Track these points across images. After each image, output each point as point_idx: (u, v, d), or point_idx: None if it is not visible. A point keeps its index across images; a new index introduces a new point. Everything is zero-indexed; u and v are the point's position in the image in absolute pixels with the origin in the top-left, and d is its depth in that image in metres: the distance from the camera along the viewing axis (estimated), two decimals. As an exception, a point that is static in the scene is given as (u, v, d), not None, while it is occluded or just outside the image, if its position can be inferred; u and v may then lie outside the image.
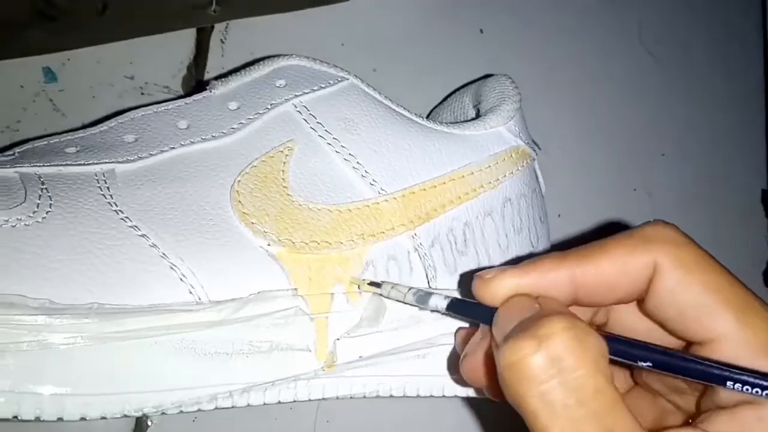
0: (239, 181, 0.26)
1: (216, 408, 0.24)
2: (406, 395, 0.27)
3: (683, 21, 0.52)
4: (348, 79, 0.29)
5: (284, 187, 0.26)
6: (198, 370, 0.23)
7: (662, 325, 0.22)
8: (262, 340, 0.24)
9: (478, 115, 0.33)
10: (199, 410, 0.23)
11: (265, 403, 0.25)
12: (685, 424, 0.23)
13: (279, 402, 0.25)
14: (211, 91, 0.28)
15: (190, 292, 0.23)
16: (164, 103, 0.27)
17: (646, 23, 0.50)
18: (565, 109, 0.45)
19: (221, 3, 0.36)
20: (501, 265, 0.29)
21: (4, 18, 0.32)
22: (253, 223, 0.25)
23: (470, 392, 0.28)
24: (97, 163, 0.25)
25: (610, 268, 0.22)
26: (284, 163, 0.27)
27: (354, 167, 0.27)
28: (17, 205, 0.22)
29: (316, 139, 0.27)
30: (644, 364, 0.20)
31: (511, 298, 0.22)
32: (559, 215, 0.42)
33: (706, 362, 0.20)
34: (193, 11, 0.36)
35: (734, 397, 0.20)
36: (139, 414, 0.22)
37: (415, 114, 0.30)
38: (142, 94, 0.36)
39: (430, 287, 0.28)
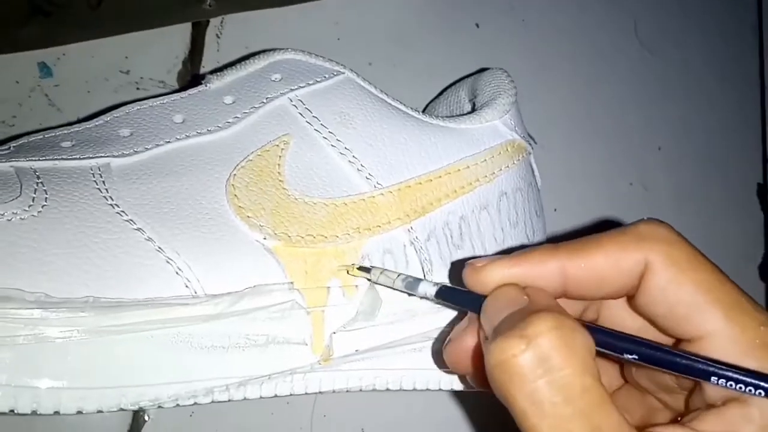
0: (235, 175, 0.26)
1: (212, 401, 0.24)
2: (403, 389, 0.27)
3: (679, 16, 0.52)
4: (343, 73, 0.29)
5: (280, 181, 0.26)
6: (194, 364, 0.23)
7: (652, 322, 0.23)
8: (259, 333, 0.24)
9: (473, 109, 0.33)
10: (195, 404, 0.23)
11: (261, 397, 0.25)
12: (673, 421, 0.23)
13: (275, 396, 0.25)
14: (206, 85, 0.28)
15: (186, 286, 0.23)
16: (160, 98, 0.27)
17: (642, 18, 0.50)
18: (561, 103, 0.45)
19: (216, -3, 0.36)
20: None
21: (0, 13, 0.32)
22: (249, 216, 0.25)
23: (466, 386, 0.28)
24: (92, 157, 0.24)
25: (602, 263, 0.22)
26: (280, 157, 0.27)
27: (350, 161, 0.27)
28: (13, 199, 0.22)
29: (311, 133, 0.27)
30: (630, 356, 0.20)
31: (499, 288, 0.22)
32: (555, 209, 0.42)
33: (692, 357, 0.20)
34: (189, 6, 0.36)
35: (722, 395, 0.21)
36: (136, 408, 0.22)
37: (411, 108, 0.30)
38: (138, 88, 0.36)
39: (426, 280, 0.28)
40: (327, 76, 0.29)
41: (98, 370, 0.22)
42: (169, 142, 0.26)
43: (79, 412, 0.21)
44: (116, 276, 0.22)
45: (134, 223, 0.23)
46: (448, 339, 0.25)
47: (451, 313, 0.28)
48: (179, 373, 0.23)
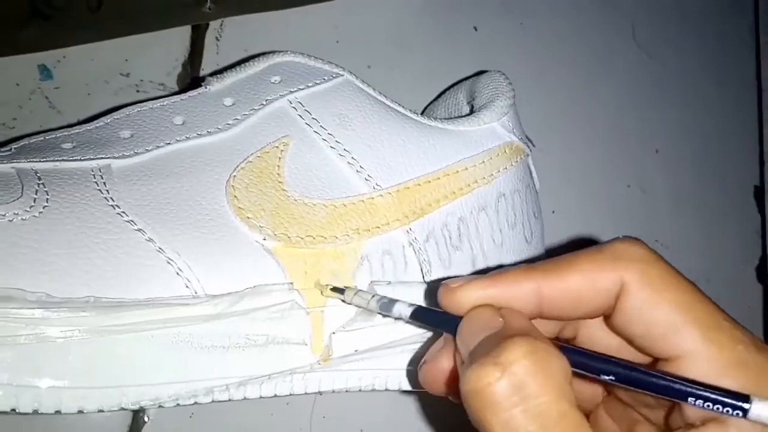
0: (235, 176, 0.26)
1: (213, 401, 0.24)
2: (402, 389, 0.28)
3: (677, 19, 0.52)
4: (343, 75, 0.29)
5: (279, 182, 0.26)
6: (195, 364, 0.23)
7: (630, 341, 0.22)
8: (259, 333, 0.24)
9: (472, 111, 0.33)
10: (195, 403, 0.24)
11: (261, 397, 0.25)
12: None
13: (275, 395, 0.25)
14: (206, 88, 0.28)
15: (187, 286, 0.24)
16: (160, 100, 0.28)
17: (640, 22, 0.50)
18: (559, 105, 0.46)
19: (216, 0, 0.36)
20: (496, 266, 0.30)
21: (0, 16, 0.32)
22: (248, 217, 0.25)
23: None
24: (93, 159, 0.25)
25: (577, 283, 0.22)
26: (279, 158, 0.27)
27: (349, 162, 0.27)
28: (14, 200, 0.23)
29: (311, 134, 0.28)
30: (607, 377, 0.20)
31: (474, 309, 0.22)
32: (553, 211, 0.43)
33: (669, 378, 0.20)
34: (188, 9, 0.36)
35: (700, 415, 0.20)
36: (136, 407, 0.22)
37: (410, 110, 0.30)
38: (138, 91, 0.36)
39: (425, 281, 0.28)
40: (326, 78, 0.29)
41: (99, 369, 0.22)
42: (169, 143, 0.26)
43: (80, 412, 0.21)
44: (117, 276, 0.23)
45: (135, 224, 0.23)
46: (423, 360, 0.24)
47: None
48: (180, 372, 0.23)
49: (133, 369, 0.22)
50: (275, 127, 0.27)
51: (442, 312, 0.23)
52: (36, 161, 0.24)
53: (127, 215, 0.24)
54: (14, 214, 0.22)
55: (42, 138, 0.26)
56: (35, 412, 0.21)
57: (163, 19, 0.36)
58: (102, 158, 0.25)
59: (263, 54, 0.29)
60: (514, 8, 0.45)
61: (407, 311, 0.24)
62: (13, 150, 0.25)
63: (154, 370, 0.23)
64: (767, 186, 0.52)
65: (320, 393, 0.34)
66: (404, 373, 0.27)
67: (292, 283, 0.25)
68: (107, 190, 0.24)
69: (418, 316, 0.24)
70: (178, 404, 0.23)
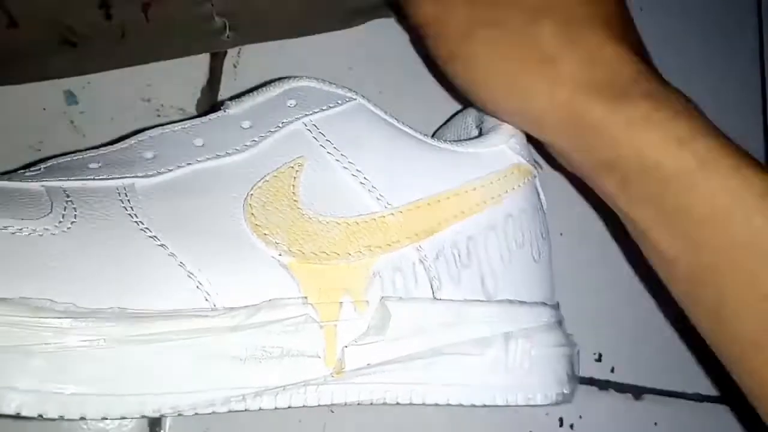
0: (252, 194, 0.27)
1: (229, 411, 0.25)
2: (412, 403, 0.28)
3: (679, 25, 0.52)
4: (355, 99, 0.30)
5: (295, 200, 0.28)
6: (213, 374, 0.24)
7: None
8: (274, 346, 0.25)
9: (480, 134, 0.35)
10: (213, 412, 0.24)
11: (276, 408, 0.26)
12: None
13: (289, 406, 0.26)
14: (225, 111, 0.30)
15: (206, 299, 0.25)
16: (181, 123, 0.29)
17: (644, 28, 0.51)
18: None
19: (234, 29, 0.37)
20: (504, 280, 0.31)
21: (30, 45, 0.33)
22: (265, 234, 0.26)
23: (475, 400, 0.29)
24: (118, 178, 0.26)
25: None
26: (295, 178, 0.28)
27: (361, 182, 0.29)
28: (44, 216, 0.24)
29: (325, 155, 0.29)
30: None
31: None
32: (561, 234, 0.43)
33: None
34: (207, 37, 0.37)
35: None
36: (157, 415, 0.23)
37: (421, 132, 0.31)
38: (159, 115, 0.37)
39: (435, 297, 0.29)
40: (340, 102, 0.30)
41: (123, 377, 0.23)
42: (190, 164, 0.27)
43: (104, 418, 0.22)
44: (140, 289, 0.24)
45: (158, 240, 0.25)
46: None
47: (460, 332, 0.29)
48: (199, 382, 0.24)
49: (155, 378, 0.23)
50: (291, 148, 0.29)
51: None
52: (64, 180, 0.25)
53: (150, 231, 0.25)
54: (44, 229, 0.23)
55: (69, 159, 0.27)
56: (61, 418, 0.22)
57: (184, 47, 0.38)
58: (126, 177, 0.26)
59: (279, 79, 0.31)
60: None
61: None
62: (42, 170, 0.26)
63: (175, 380, 0.24)
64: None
65: (332, 410, 0.35)
66: (415, 387, 0.28)
67: (306, 298, 0.26)
68: (131, 207, 0.25)
69: None
70: (196, 413, 0.24)
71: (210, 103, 0.38)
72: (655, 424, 0.42)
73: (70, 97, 0.36)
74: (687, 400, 0.44)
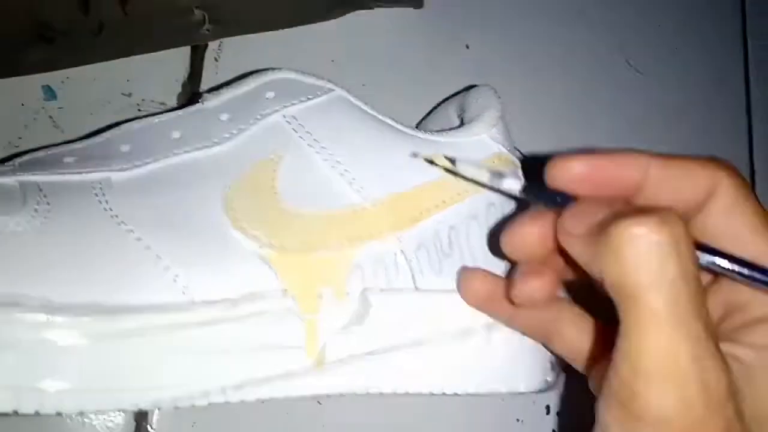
0: (230, 187, 0.27)
1: (209, 403, 0.25)
2: (396, 392, 0.28)
3: (666, 34, 0.53)
4: (335, 90, 0.30)
5: (274, 193, 0.27)
6: (192, 367, 0.24)
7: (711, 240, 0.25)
8: (254, 338, 0.25)
9: (462, 124, 0.34)
10: (193, 406, 0.24)
11: (257, 399, 0.25)
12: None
13: (271, 398, 0.26)
14: (203, 103, 0.29)
15: (183, 293, 0.24)
16: (158, 115, 0.29)
17: (630, 37, 0.51)
18: (549, 120, 0.46)
19: (214, 22, 0.37)
20: (484, 268, 0.30)
21: (6, 40, 0.33)
22: (244, 227, 0.26)
23: (458, 389, 0.29)
24: (93, 172, 0.26)
25: (683, 171, 0.24)
26: (274, 170, 0.28)
27: (341, 174, 0.28)
28: (17, 211, 0.23)
29: (304, 147, 0.29)
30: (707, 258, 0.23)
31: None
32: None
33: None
34: (188, 30, 0.37)
35: (762, 312, 0.23)
36: (135, 409, 0.23)
37: (402, 124, 0.31)
38: (139, 110, 0.37)
39: (416, 288, 0.29)
40: (319, 93, 0.30)
41: (99, 372, 0.23)
42: (167, 157, 0.27)
43: (81, 413, 0.22)
44: (116, 283, 0.23)
45: (134, 233, 0.24)
46: (510, 224, 0.27)
47: (443, 319, 0.28)
48: (177, 376, 0.24)
49: (132, 372, 0.23)
50: (270, 140, 0.28)
51: (552, 189, 0.25)
52: (39, 174, 0.25)
53: (126, 225, 0.25)
54: (17, 223, 0.23)
55: (44, 153, 0.27)
56: (37, 413, 0.22)
57: (163, 41, 0.38)
58: (102, 171, 0.26)
59: (258, 71, 0.30)
60: (504, 26, 0.46)
61: (517, 186, 0.26)
62: (16, 164, 0.26)
63: (153, 374, 0.23)
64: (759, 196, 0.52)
65: (319, 402, 0.35)
66: (398, 377, 0.28)
67: (286, 290, 0.26)
68: (107, 201, 0.25)
69: (528, 191, 0.26)
70: (176, 406, 0.24)
71: (190, 95, 0.38)
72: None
73: (49, 93, 0.36)
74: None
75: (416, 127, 0.39)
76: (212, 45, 0.39)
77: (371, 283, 0.28)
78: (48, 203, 0.24)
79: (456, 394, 0.29)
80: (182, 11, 0.35)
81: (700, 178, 0.24)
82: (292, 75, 0.30)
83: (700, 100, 0.53)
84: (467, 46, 0.45)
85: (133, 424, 0.33)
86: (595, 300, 0.25)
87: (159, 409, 0.24)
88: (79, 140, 0.28)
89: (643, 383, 0.20)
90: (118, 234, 0.24)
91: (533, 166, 0.26)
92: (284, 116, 0.29)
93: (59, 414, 0.22)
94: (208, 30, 0.37)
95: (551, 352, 0.30)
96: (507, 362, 0.30)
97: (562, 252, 0.25)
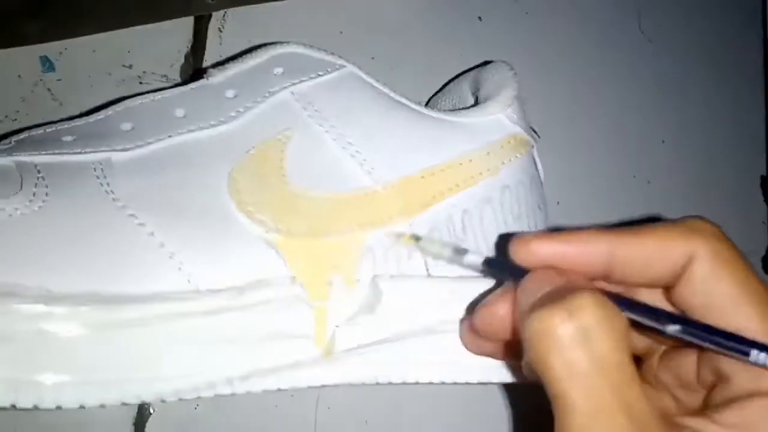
0: (237, 169, 0.26)
1: (216, 395, 0.24)
2: (406, 382, 0.27)
3: (682, 8, 0.51)
4: (346, 66, 0.29)
5: (282, 174, 0.26)
6: (197, 358, 0.23)
7: (689, 314, 0.23)
8: (261, 327, 0.24)
9: (476, 103, 0.33)
10: (199, 397, 0.23)
11: (264, 390, 0.25)
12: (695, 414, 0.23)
13: (279, 389, 0.25)
14: (208, 79, 0.28)
15: (188, 281, 0.23)
16: (161, 92, 0.27)
17: (646, 11, 0.49)
18: (564, 96, 0.45)
19: (218, -9, 0.36)
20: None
21: (2, 10, 0.32)
22: (250, 210, 0.25)
23: (469, 378, 0.28)
24: (93, 152, 0.24)
25: (651, 248, 0.23)
26: (282, 150, 0.27)
27: (352, 155, 0.27)
28: (14, 194, 0.22)
29: (313, 126, 0.27)
30: (674, 327, 0.21)
31: (541, 269, 0.23)
32: (558, 203, 0.42)
33: (732, 333, 0.21)
34: (191, 0, 0.36)
35: (746, 389, 0.21)
36: (138, 401, 0.22)
37: (414, 102, 0.30)
38: (141, 83, 0.36)
39: (429, 274, 0.28)
40: (329, 69, 0.29)
41: (100, 364, 0.22)
42: (170, 136, 0.26)
43: (81, 407, 0.21)
44: (118, 271, 0.22)
45: (136, 218, 0.23)
46: (481, 303, 0.25)
47: (452, 308, 0.28)
48: (182, 367, 0.23)
49: (135, 364, 0.22)
50: (277, 119, 0.27)
51: (510, 263, 0.24)
52: (36, 154, 0.24)
53: (128, 209, 0.23)
54: (14, 208, 0.22)
55: (42, 131, 0.26)
56: (35, 407, 0.21)
57: (166, 11, 0.36)
58: (102, 151, 0.25)
59: (265, 45, 0.29)
60: (519, -2, 0.45)
61: (479, 260, 0.25)
62: (13, 143, 0.25)
63: (156, 365, 0.23)
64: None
65: (324, 386, 0.34)
66: (407, 366, 0.27)
67: (294, 277, 0.25)
68: (108, 183, 0.24)
69: (488, 265, 0.25)
70: (180, 399, 0.23)
71: (194, 70, 0.37)
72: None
73: (47, 64, 0.34)
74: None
75: (428, 104, 0.38)
76: (217, 15, 0.38)
77: (382, 269, 0.27)
78: (46, 186, 0.23)
79: (468, 383, 0.28)
80: (185, -20, 0.34)
81: (672, 250, 0.22)
82: (301, 49, 0.29)
83: (715, 74, 0.52)
84: (480, 18, 0.44)
85: (135, 406, 0.32)
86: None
87: (163, 401, 0.23)
88: (79, 117, 0.27)
89: None
90: (119, 218, 0.23)
91: (504, 239, 0.25)
92: (293, 93, 0.28)
93: (59, 408, 0.21)
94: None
95: None
96: (521, 352, 0.29)
97: None
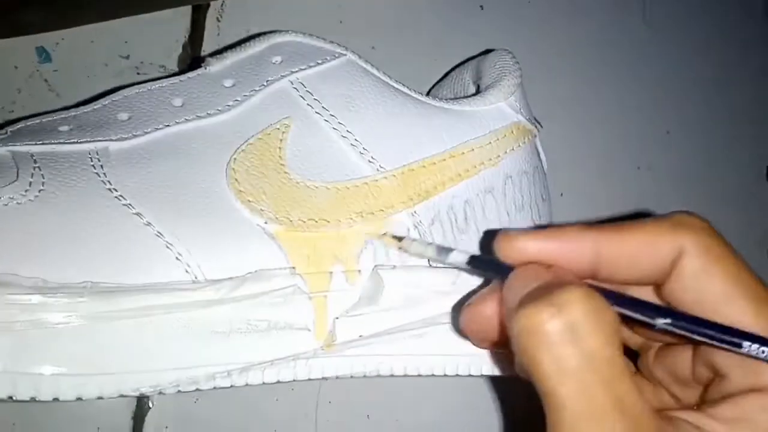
0: (235, 158, 0.25)
1: (215, 387, 0.23)
2: (407, 374, 0.27)
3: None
4: (345, 55, 0.29)
5: (281, 164, 0.26)
6: (195, 350, 0.23)
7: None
8: (261, 319, 0.24)
9: (478, 91, 0.33)
10: (197, 390, 0.23)
11: (264, 383, 0.24)
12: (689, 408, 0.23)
13: (278, 381, 0.25)
14: (206, 68, 0.28)
15: (187, 271, 0.23)
16: (158, 81, 0.27)
17: (650, 1, 0.49)
18: (567, 86, 0.45)
19: (216, -20, 0.35)
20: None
21: (-2, -2, 0.31)
22: (249, 201, 0.25)
23: (471, 370, 0.28)
24: (90, 141, 0.24)
25: (638, 245, 0.22)
26: (281, 140, 0.26)
27: (352, 144, 0.27)
28: (9, 184, 0.22)
29: (313, 115, 0.27)
30: (664, 320, 0.21)
31: (528, 264, 0.22)
32: (561, 194, 0.42)
33: (724, 326, 0.20)
34: (188, -11, 0.35)
35: (741, 385, 0.21)
36: (136, 394, 0.22)
37: (415, 91, 0.29)
38: (138, 73, 0.35)
39: (430, 266, 0.27)
40: (329, 58, 0.28)
41: (98, 356, 0.21)
42: (168, 125, 0.25)
43: (79, 399, 0.21)
44: (115, 261, 0.22)
45: (133, 208, 0.23)
46: (467, 302, 0.25)
47: (453, 299, 0.27)
48: (180, 359, 0.23)
49: (132, 355, 0.22)
50: (276, 108, 0.27)
51: (496, 260, 0.23)
52: (32, 144, 0.24)
53: (125, 199, 0.23)
54: (9, 198, 0.22)
55: (38, 121, 0.25)
56: (33, 399, 0.21)
57: (164, 0, 0.36)
58: (99, 141, 0.24)
59: (264, 34, 0.29)
60: (521, -14, 0.45)
61: (463, 258, 0.24)
62: (9, 133, 0.25)
63: (154, 357, 0.22)
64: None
65: (325, 378, 0.34)
66: (409, 358, 0.27)
67: (294, 268, 0.25)
68: (104, 173, 0.23)
69: (474, 263, 0.24)
70: (179, 391, 0.23)
71: (192, 59, 0.36)
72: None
73: (43, 55, 0.34)
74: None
75: (429, 93, 0.38)
76: (215, 4, 0.37)
77: (383, 260, 0.26)
78: (42, 176, 0.23)
79: (470, 375, 0.28)
80: (183, -32, 0.34)
81: (659, 245, 0.22)
82: (299, 38, 0.29)
83: (720, 64, 0.51)
84: (482, 7, 0.43)
85: (134, 399, 0.32)
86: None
87: (161, 393, 0.22)
88: (75, 106, 0.26)
89: None
90: (116, 209, 0.23)
91: (490, 236, 0.24)
92: (292, 82, 0.27)
93: (56, 400, 0.21)
94: (210, -12, 0.36)
95: None
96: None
97: None
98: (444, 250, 0.25)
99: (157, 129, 0.25)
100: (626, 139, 0.47)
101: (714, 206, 0.49)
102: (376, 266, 0.26)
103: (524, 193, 0.31)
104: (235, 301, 0.23)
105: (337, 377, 0.26)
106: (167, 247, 0.23)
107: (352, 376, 0.26)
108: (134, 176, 0.24)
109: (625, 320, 0.21)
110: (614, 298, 0.21)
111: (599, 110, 0.46)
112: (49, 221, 0.22)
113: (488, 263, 0.24)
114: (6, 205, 0.22)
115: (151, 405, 0.32)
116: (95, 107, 0.26)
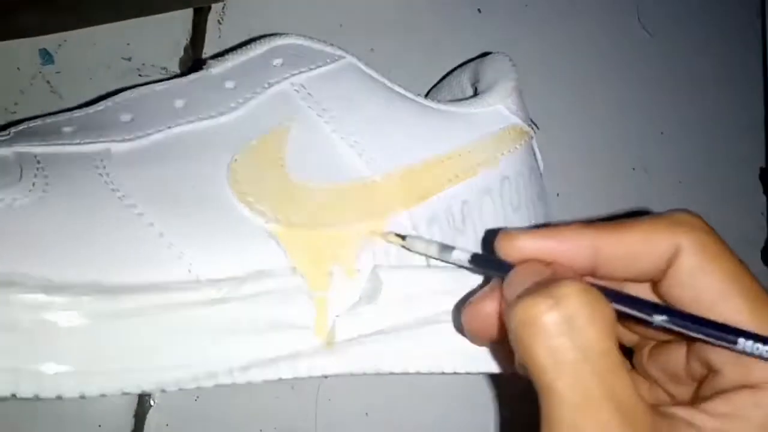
0: (236, 159, 0.26)
1: (216, 385, 0.24)
2: (407, 372, 0.27)
3: (682, 0, 0.51)
4: (345, 57, 0.29)
5: (282, 165, 0.26)
6: (197, 348, 0.23)
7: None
8: (261, 317, 0.24)
9: (476, 94, 0.33)
10: (199, 387, 0.23)
11: (265, 381, 0.25)
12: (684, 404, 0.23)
13: (279, 379, 0.25)
14: (207, 71, 0.28)
15: (189, 271, 0.23)
16: (161, 83, 0.27)
17: (645, 4, 0.49)
18: (563, 88, 0.45)
19: (218, -17, 0.36)
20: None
21: (1, 1, 0.31)
22: (250, 201, 0.25)
23: (470, 368, 0.28)
24: (93, 142, 0.24)
25: (635, 243, 0.22)
26: (282, 141, 0.27)
27: (351, 146, 0.27)
28: (13, 184, 0.22)
29: (313, 117, 0.27)
30: (661, 317, 0.21)
31: (527, 262, 0.23)
32: (558, 194, 0.42)
33: (720, 323, 0.21)
34: (190, -9, 0.36)
35: (735, 381, 0.21)
36: (139, 391, 0.22)
37: (413, 93, 0.30)
38: (140, 75, 0.36)
39: (428, 265, 0.28)
40: (328, 60, 0.29)
41: (101, 354, 0.22)
42: (170, 127, 0.26)
43: (82, 397, 0.21)
44: (118, 261, 0.22)
45: (136, 208, 0.23)
46: (468, 301, 0.25)
47: (453, 298, 0.28)
48: (182, 357, 0.23)
49: (135, 353, 0.22)
50: (277, 110, 0.27)
51: (496, 258, 0.24)
52: (35, 145, 0.24)
53: (127, 199, 0.23)
54: (13, 198, 0.22)
55: (42, 122, 0.26)
56: (36, 397, 0.21)
57: (165, 3, 0.36)
58: (102, 142, 0.25)
59: (265, 36, 0.29)
60: (518, -11, 0.45)
61: (465, 256, 0.25)
62: (12, 134, 0.25)
63: (156, 355, 0.22)
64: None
65: (325, 376, 0.34)
66: (409, 356, 0.27)
67: (294, 267, 0.25)
68: (107, 174, 0.24)
69: (475, 262, 0.25)
70: (181, 388, 0.23)
71: (194, 61, 0.37)
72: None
73: (46, 56, 0.34)
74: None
75: (427, 95, 0.38)
76: (216, 7, 0.38)
77: (382, 260, 0.27)
78: (46, 176, 0.23)
79: (469, 373, 0.28)
80: (184, -29, 0.34)
81: (657, 243, 0.22)
82: (300, 41, 0.29)
83: (715, 65, 0.51)
84: (479, 10, 0.44)
85: (135, 397, 0.32)
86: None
87: (163, 391, 0.23)
88: (78, 108, 0.27)
89: None
90: (119, 209, 0.23)
91: (492, 235, 0.25)
92: (292, 84, 0.28)
93: (59, 398, 0.21)
94: (211, -9, 0.36)
95: None
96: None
97: None
98: (446, 248, 0.26)
99: (159, 130, 0.26)
100: (621, 140, 0.47)
101: (708, 206, 0.49)
102: (375, 266, 0.26)
103: (521, 194, 0.31)
104: (236, 300, 0.24)
105: (337, 375, 0.26)
106: (169, 246, 0.23)
107: (352, 374, 0.27)
108: (137, 177, 0.24)
109: (621, 318, 0.22)
110: (612, 295, 0.21)
111: (594, 112, 0.46)
112: (53, 221, 0.22)
113: (489, 261, 0.25)
114: (10, 205, 0.22)
115: (152, 403, 0.32)
116: (98, 109, 0.26)
